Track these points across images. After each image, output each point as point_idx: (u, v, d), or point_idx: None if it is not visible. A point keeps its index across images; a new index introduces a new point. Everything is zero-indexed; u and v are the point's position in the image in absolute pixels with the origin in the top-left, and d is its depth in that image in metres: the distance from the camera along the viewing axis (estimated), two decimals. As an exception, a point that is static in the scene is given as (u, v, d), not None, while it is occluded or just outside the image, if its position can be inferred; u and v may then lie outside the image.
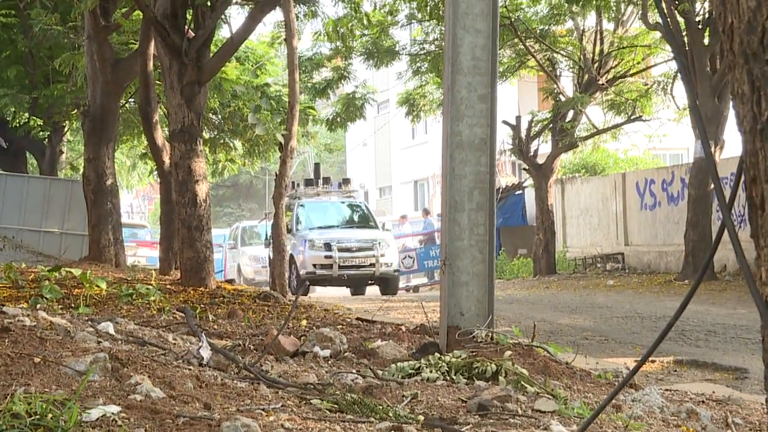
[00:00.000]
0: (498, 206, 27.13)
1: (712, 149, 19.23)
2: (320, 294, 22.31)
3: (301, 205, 23.18)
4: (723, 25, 1.93)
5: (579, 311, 15.47)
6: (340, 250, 21.01)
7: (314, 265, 21.01)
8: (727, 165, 20.32)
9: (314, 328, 9.45)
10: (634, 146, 27.42)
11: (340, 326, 9.84)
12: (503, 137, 27.41)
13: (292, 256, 20.77)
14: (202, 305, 11.12)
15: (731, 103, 2.09)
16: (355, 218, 23.81)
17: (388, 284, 21.85)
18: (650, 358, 10.49)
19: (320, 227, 22.33)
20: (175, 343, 6.65)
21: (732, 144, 20.27)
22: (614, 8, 23.10)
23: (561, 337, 12.08)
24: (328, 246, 21.11)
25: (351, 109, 24.34)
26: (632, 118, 24.44)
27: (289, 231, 21.08)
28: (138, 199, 62.07)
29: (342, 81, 24.24)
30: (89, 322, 6.81)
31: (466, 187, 7.00)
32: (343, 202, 24.29)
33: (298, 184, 24.32)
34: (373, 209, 27.28)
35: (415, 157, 41.92)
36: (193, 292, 12.73)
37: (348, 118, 24.83)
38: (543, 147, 25.34)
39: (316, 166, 26.56)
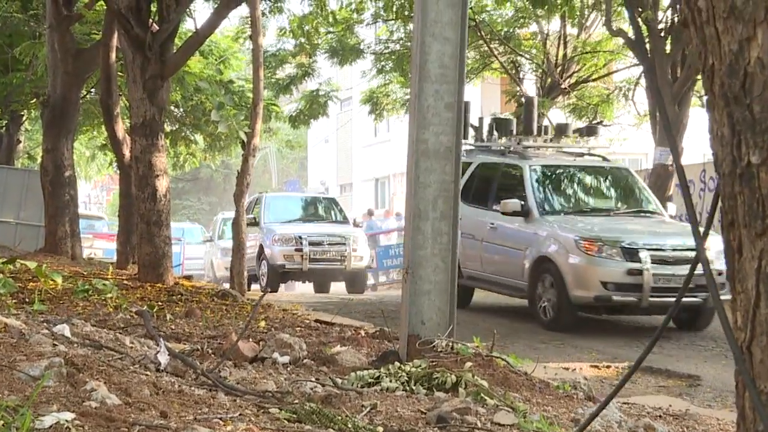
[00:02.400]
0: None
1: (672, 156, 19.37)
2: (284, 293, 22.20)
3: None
4: (703, 65, 1.90)
5: (531, 314, 15.54)
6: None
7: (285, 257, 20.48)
8: (685, 171, 20.44)
9: (273, 329, 9.37)
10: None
11: (299, 328, 9.77)
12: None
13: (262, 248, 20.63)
14: (159, 303, 11.00)
15: (709, 114, 2.07)
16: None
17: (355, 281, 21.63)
18: (605, 364, 10.58)
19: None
20: (132, 347, 6.56)
21: (690, 151, 20.46)
22: (579, 13, 23.21)
23: (518, 341, 12.09)
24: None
25: (314, 106, 24.26)
26: (593, 122, 24.57)
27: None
28: (96, 190, 61.52)
29: (306, 78, 24.15)
30: (45, 324, 6.70)
31: (430, 196, 6.98)
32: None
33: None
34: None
35: (377, 156, 41.88)
36: (150, 288, 12.61)
37: (311, 115, 24.76)
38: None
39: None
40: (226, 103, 14.28)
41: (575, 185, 14.64)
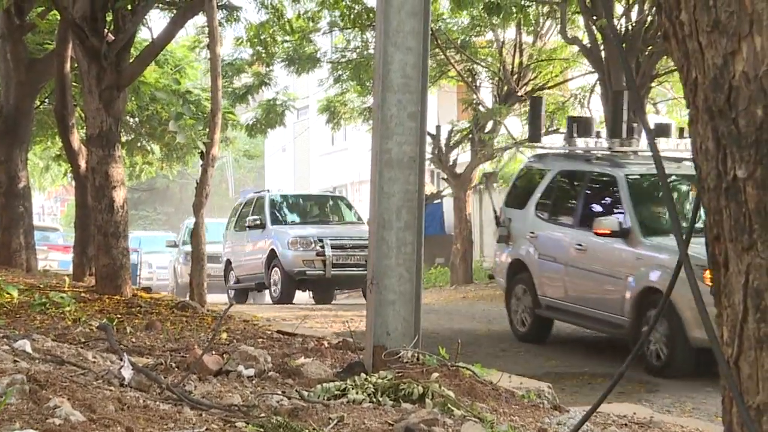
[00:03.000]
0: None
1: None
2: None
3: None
4: (686, 79, 1.90)
5: (497, 322, 15.55)
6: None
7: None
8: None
9: (234, 341, 9.29)
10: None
11: (261, 339, 9.70)
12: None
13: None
14: (118, 315, 10.87)
15: (692, 128, 2.05)
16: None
17: None
18: (566, 372, 10.63)
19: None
20: (95, 362, 6.47)
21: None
22: (534, 22, 23.35)
23: (479, 348, 12.12)
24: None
25: (271, 115, 24.18)
26: (549, 130, 24.72)
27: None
28: (50, 201, 60.85)
29: (262, 87, 24.08)
30: (5, 340, 6.58)
31: (394, 206, 6.95)
32: None
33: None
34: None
35: (335, 164, 41.83)
36: (108, 300, 12.47)
37: (268, 124, 24.68)
38: (462, 156, 25.47)
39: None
40: (184, 113, 14.18)
41: (682, 198, 12.25)
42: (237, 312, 13.69)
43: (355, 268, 18.71)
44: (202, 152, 13.43)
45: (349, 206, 22.07)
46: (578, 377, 10.45)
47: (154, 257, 30.49)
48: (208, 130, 13.80)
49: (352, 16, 20.35)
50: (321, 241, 18.63)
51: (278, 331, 10.71)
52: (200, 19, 18.42)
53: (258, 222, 19.92)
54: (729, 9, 1.69)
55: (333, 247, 18.71)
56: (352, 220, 21.08)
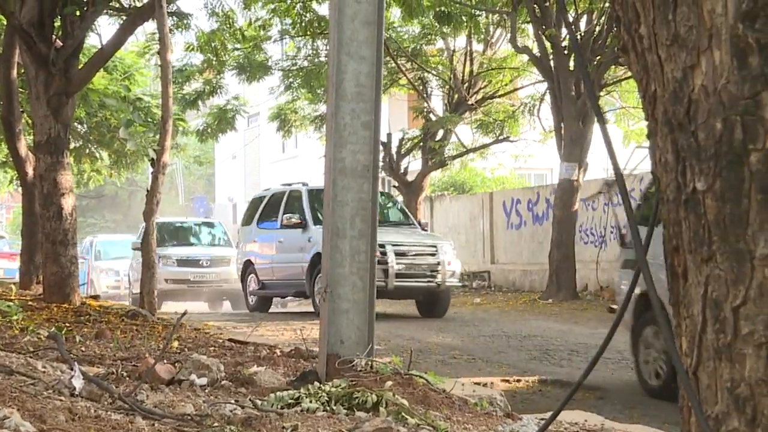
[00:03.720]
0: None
1: (577, 171, 19.72)
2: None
3: None
4: (644, 91, 1.91)
5: (446, 329, 15.60)
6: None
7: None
8: (589, 186, 20.84)
9: (186, 350, 9.23)
10: (500, 166, 27.91)
11: (213, 348, 9.64)
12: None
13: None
14: (67, 324, 10.75)
15: (651, 140, 2.08)
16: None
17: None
18: (516, 378, 10.68)
19: None
20: (44, 371, 6.37)
21: (593, 166, 20.85)
22: (484, 30, 23.49)
23: (430, 356, 12.14)
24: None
25: (222, 121, 24.06)
26: (500, 138, 24.88)
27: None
28: (-5, 208, 60.01)
29: (213, 94, 23.96)
30: (-48, 350, 6.48)
31: (348, 214, 6.95)
32: None
33: None
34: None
35: (285, 171, 41.67)
36: (56, 309, 12.34)
37: (219, 130, 24.55)
38: (413, 164, 25.53)
39: None
40: (134, 120, 14.06)
41: None
42: (187, 320, 13.62)
43: (418, 280, 16.51)
44: (152, 159, 13.32)
45: (402, 209, 19.41)
46: (530, 384, 10.50)
47: (122, 264, 28.56)
48: (158, 137, 13.69)
49: (303, 24, 20.32)
50: (382, 246, 15.67)
51: (230, 340, 10.66)
52: (150, 26, 18.31)
53: (297, 220, 17.35)
54: (688, 23, 1.71)
55: (397, 254, 16.20)
56: (404, 221, 18.40)
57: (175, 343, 9.65)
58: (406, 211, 19.03)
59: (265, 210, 19.24)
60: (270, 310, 19.62)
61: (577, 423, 6.87)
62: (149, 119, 18.81)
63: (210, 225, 27.02)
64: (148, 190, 12.96)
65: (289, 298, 26.94)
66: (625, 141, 24.04)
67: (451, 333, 15.07)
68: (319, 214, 16.57)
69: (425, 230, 18.30)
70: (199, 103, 24.05)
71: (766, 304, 1.63)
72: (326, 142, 7.11)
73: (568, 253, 19.83)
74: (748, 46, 1.62)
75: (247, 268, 19.23)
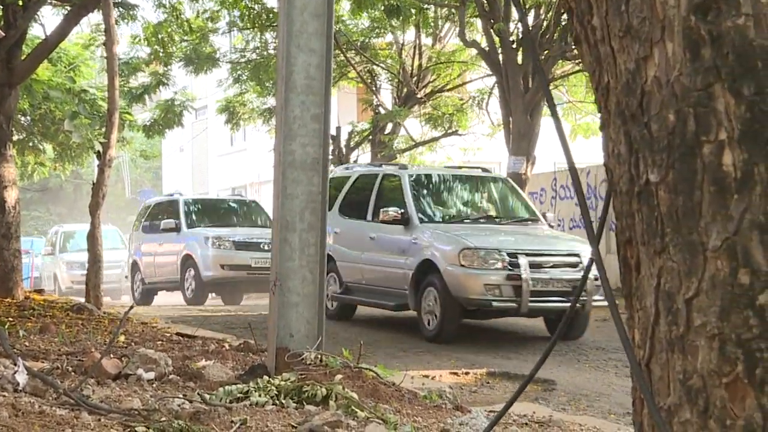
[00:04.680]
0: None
1: (525, 165, 19.81)
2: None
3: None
4: (597, 83, 1.91)
5: (391, 323, 15.61)
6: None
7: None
8: (537, 180, 20.95)
9: (133, 344, 9.14)
10: (449, 159, 27.94)
11: (160, 342, 9.56)
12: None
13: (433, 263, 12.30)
14: (10, 318, 10.60)
15: (604, 132, 2.04)
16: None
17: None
18: (464, 370, 10.69)
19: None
20: (-13, 368, 6.27)
21: (541, 160, 20.94)
22: (433, 24, 23.50)
23: (379, 349, 12.12)
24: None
25: (169, 115, 23.81)
26: (448, 132, 24.94)
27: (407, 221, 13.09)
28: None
29: (160, 87, 23.70)
30: None
31: (297, 207, 6.91)
32: None
33: None
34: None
35: (234, 165, 41.40)
36: (-1, 303, 12.18)
37: (166, 125, 24.31)
38: (362, 158, 25.50)
39: None
40: (80, 113, 13.87)
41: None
42: (135, 314, 13.47)
43: (558, 298, 12.14)
44: (98, 152, 13.15)
45: (526, 202, 14.86)
46: (478, 376, 10.52)
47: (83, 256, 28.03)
48: (104, 130, 13.53)
49: (251, 16, 20.17)
50: (514, 256, 11.94)
51: (178, 333, 10.58)
52: (95, 17, 18.06)
53: (396, 214, 13.14)
54: (641, 15, 1.70)
55: (532, 266, 12.01)
56: (531, 217, 14.14)
57: (122, 338, 9.54)
58: (530, 203, 14.96)
59: (350, 196, 15.03)
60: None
61: (526, 415, 6.90)
62: (95, 112, 18.56)
63: (245, 203, 23.34)
64: (94, 183, 12.81)
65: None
66: (572, 135, 24.22)
67: (397, 326, 15.07)
68: (428, 209, 13.56)
69: (552, 226, 14.26)
70: (146, 97, 23.80)
71: (719, 296, 1.63)
72: (276, 134, 7.07)
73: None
74: (700, 38, 1.61)
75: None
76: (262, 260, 19.06)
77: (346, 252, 14.63)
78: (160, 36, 19.25)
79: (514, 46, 20.02)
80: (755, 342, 1.58)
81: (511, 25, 20.01)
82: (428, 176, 14.66)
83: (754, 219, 1.59)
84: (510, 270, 11.88)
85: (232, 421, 5.51)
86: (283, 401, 6.09)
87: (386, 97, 25.93)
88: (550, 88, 21.40)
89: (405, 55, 24.40)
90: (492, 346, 12.70)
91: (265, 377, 6.39)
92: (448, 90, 24.89)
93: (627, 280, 1.84)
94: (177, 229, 20.48)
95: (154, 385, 6.46)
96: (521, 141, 19.73)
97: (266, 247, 18.90)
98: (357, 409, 5.86)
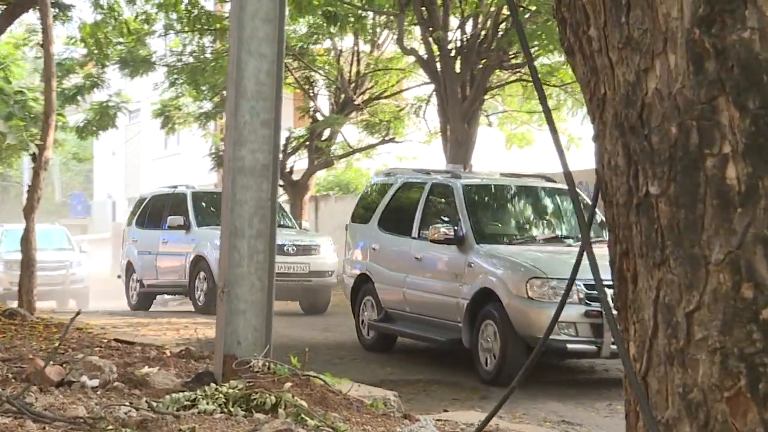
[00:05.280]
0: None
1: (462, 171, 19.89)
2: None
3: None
4: (592, 94, 1.89)
5: (331, 329, 15.57)
6: None
7: None
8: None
9: (70, 350, 8.95)
10: (385, 166, 27.98)
11: (98, 348, 9.36)
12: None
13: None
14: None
15: (598, 143, 2.07)
16: None
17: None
18: (403, 379, 10.66)
19: None
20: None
21: (478, 169, 21.05)
22: (371, 31, 23.52)
23: (318, 356, 12.05)
24: None
25: (104, 117, 23.49)
26: (386, 139, 24.99)
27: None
28: None
29: (94, 89, 23.37)
30: None
31: (246, 213, 6.84)
32: None
33: None
34: (124, 219, 25.55)
35: (167, 168, 41.00)
36: (-71, 308, 11.87)
37: (100, 127, 23.97)
38: (299, 163, 25.42)
39: None
40: (15, 113, 13.60)
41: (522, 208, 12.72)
42: (66, 320, 13.21)
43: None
44: (33, 155, 12.91)
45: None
46: (413, 384, 10.49)
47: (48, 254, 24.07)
48: (39, 131, 13.28)
49: (189, 20, 20.00)
50: (592, 287, 9.91)
51: (116, 340, 10.37)
52: (27, 17, 17.76)
53: (447, 233, 11.40)
54: (642, 26, 1.69)
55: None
56: (601, 237, 11.03)
57: (57, 343, 9.34)
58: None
59: (391, 209, 13.34)
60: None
61: (472, 423, 6.89)
62: (26, 113, 18.23)
63: None
64: (29, 186, 12.58)
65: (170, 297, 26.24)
66: (507, 144, 24.43)
67: (335, 332, 15.05)
68: (480, 221, 11.81)
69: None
70: (79, 98, 23.45)
71: (721, 310, 1.62)
72: (225, 140, 6.99)
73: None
74: (704, 51, 1.60)
75: (361, 285, 13.33)
76: (285, 265, 16.72)
77: (386, 273, 12.85)
78: (96, 37, 18.94)
79: (453, 54, 20.11)
80: (758, 356, 1.57)
81: (450, 34, 20.10)
82: (485, 187, 12.77)
83: (758, 233, 1.58)
84: (588, 305, 10.13)
85: (180, 430, 5.41)
86: (232, 409, 6.00)
87: (323, 103, 25.90)
88: (487, 97, 21.55)
89: (343, 61, 24.39)
90: (429, 355, 12.71)
91: (213, 385, 6.30)
92: (385, 97, 24.94)
93: (622, 293, 1.83)
94: (186, 226, 18.33)
95: (98, 393, 6.32)
96: (459, 149, 19.84)
97: (291, 250, 17.59)
98: (307, 418, 5.80)
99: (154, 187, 24.59)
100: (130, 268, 20.17)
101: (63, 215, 43.30)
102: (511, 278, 10.51)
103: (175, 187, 20.34)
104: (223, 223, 7.00)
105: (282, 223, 18.43)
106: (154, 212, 20.00)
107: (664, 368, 1.69)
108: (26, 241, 12.51)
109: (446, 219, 11.77)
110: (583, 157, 22.59)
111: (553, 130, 2.06)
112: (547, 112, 2.15)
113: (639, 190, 1.72)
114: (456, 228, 11.32)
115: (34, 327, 10.88)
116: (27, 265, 12.48)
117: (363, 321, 13.25)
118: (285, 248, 16.95)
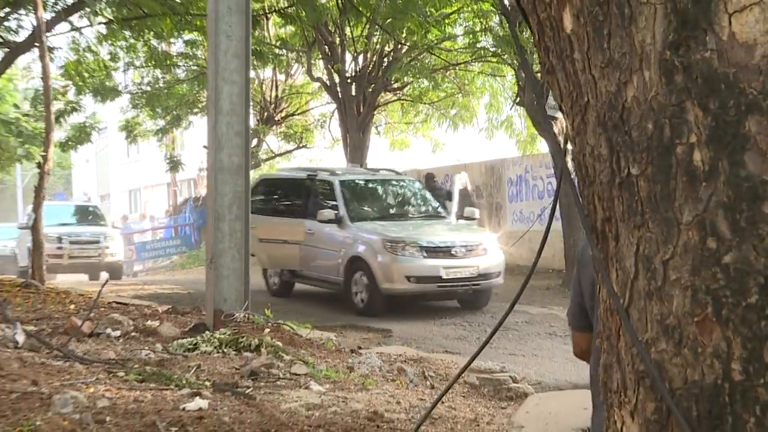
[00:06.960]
0: (199, 210, 26.31)
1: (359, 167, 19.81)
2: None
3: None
4: (573, 102, 1.85)
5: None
6: None
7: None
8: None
9: (81, 311, 8.61)
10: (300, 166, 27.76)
11: (102, 309, 9.04)
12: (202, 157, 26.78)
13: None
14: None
15: (578, 138, 2.00)
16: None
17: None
18: (328, 325, 10.51)
19: None
20: (-17, 332, 5.76)
21: (370, 165, 20.95)
22: (286, 64, 23.29)
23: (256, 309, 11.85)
24: None
25: (81, 134, 22.71)
26: (299, 145, 24.78)
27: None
28: None
29: (73, 112, 22.53)
30: None
31: (226, 203, 6.67)
32: None
33: None
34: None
35: (130, 171, 39.92)
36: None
37: (78, 142, 23.16)
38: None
39: None
40: (23, 132, 13.02)
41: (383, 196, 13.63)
42: (70, 287, 12.69)
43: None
44: (38, 163, 12.45)
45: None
46: (333, 329, 10.38)
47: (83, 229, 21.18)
48: (40, 146, 12.74)
49: (151, 57, 19.42)
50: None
51: (114, 302, 10.04)
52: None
53: (329, 216, 11.66)
54: (622, 50, 1.67)
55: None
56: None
57: (72, 306, 8.98)
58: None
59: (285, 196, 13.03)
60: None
61: (401, 355, 6.90)
62: (27, 131, 17.46)
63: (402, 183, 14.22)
64: (35, 187, 12.14)
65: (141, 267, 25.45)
66: (391, 147, 24.48)
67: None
68: (353, 208, 12.26)
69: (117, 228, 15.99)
70: (61, 120, 22.52)
71: (691, 258, 1.62)
72: (208, 147, 6.82)
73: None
74: (674, 67, 1.59)
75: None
76: (453, 270, 11.51)
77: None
78: (78, 70, 18.21)
79: (349, 80, 20.03)
80: (721, 290, 1.57)
81: (347, 66, 20.01)
82: (355, 181, 13.31)
83: (719, 200, 1.58)
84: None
85: (189, 366, 5.27)
86: (225, 350, 5.88)
87: (251, 119, 25.50)
88: (375, 113, 21.51)
89: (265, 87, 24.06)
90: (342, 305, 12.61)
91: (207, 333, 6.14)
92: (298, 114, 24.75)
93: (604, 248, 1.80)
94: (338, 221, 12.37)
95: (121, 341, 6.11)
96: (356, 152, 19.80)
97: (458, 253, 11.61)
98: (283, 354, 5.71)
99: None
100: None
101: (47, 212, 41.55)
102: (374, 242, 11.70)
103: (314, 172, 14.17)
104: (209, 210, 6.81)
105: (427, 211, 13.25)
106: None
107: (644, 302, 1.68)
108: (35, 230, 11.99)
109: (329, 204, 12.61)
110: (447, 157, 22.79)
111: (550, 128, 2.02)
112: (548, 125, 2.11)
113: (621, 172, 1.69)
114: (336, 212, 12.37)
115: (47, 295, 10.45)
116: (37, 246, 11.98)
117: (270, 274, 14.09)
118: (453, 251, 11.62)
